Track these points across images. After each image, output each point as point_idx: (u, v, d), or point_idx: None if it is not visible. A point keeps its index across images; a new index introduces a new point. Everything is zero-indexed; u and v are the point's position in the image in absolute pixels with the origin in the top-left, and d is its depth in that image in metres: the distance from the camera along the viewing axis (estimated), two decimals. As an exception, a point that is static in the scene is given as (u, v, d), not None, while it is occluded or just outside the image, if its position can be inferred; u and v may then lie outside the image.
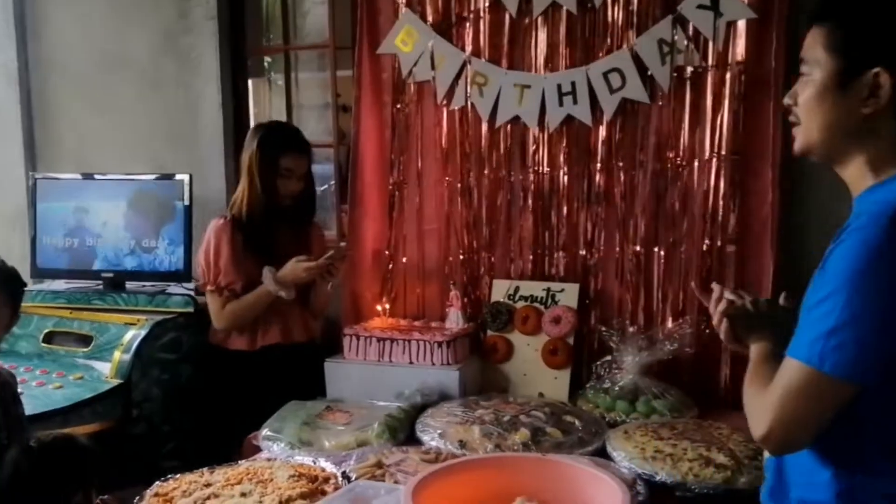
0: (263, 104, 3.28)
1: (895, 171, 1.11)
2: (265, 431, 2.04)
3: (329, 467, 1.76)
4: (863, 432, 1.09)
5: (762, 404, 1.10)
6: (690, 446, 1.76)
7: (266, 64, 3.28)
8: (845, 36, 1.11)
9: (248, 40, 3.01)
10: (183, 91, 2.96)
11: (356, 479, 1.70)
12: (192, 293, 2.63)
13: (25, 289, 2.74)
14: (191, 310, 2.56)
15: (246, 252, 2.37)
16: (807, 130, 1.16)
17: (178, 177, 2.70)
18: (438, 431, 1.94)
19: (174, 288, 2.72)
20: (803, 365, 1.06)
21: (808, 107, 1.15)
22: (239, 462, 1.85)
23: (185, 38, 2.94)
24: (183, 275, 2.70)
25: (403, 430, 2.03)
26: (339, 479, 1.70)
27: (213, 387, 2.52)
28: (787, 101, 1.20)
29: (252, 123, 2.99)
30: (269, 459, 1.85)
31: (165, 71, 2.98)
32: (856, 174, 1.15)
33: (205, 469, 1.78)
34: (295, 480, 1.66)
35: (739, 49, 2.20)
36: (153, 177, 2.79)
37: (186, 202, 2.68)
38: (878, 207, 1.06)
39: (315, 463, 1.80)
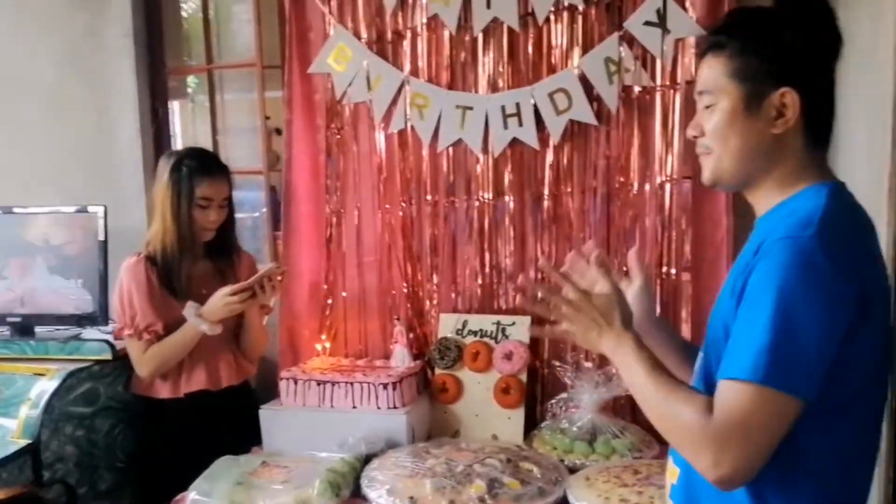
0: (187, 128, 3.06)
1: (801, 186, 1.13)
2: (192, 494, 1.84)
3: (266, 538, 1.58)
4: (796, 455, 1.05)
5: (708, 438, 1.02)
6: (657, 493, 1.65)
7: (190, 85, 3.06)
8: (744, 62, 1.12)
9: (168, 60, 2.79)
10: (96, 116, 2.72)
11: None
12: (109, 338, 2.39)
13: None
14: (108, 356, 2.32)
15: (164, 292, 2.17)
16: (718, 159, 1.16)
17: (91, 209, 2.46)
18: (386, 487, 1.77)
19: (89, 332, 2.47)
20: (750, 385, 1.00)
21: (718, 135, 1.15)
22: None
23: (96, 58, 2.70)
24: (99, 317, 2.45)
25: (347, 486, 1.85)
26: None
27: (135, 441, 2.31)
28: (690, 133, 1.20)
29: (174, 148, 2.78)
30: (196, 531, 1.65)
31: (75, 94, 2.74)
32: (764, 195, 1.16)
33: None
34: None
35: (689, 67, 2.12)
36: (64, 209, 2.53)
37: (101, 237, 2.44)
38: (796, 217, 1.07)
39: (250, 533, 1.61)
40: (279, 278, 2.20)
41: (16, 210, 2.57)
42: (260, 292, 2.14)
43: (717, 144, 1.16)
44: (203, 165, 2.16)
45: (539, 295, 1.25)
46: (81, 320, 2.46)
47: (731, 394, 1.01)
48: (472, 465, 1.83)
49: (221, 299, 2.11)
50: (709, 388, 1.10)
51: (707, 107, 1.17)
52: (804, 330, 0.99)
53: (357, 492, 1.85)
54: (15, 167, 2.83)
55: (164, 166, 2.17)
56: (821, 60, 1.13)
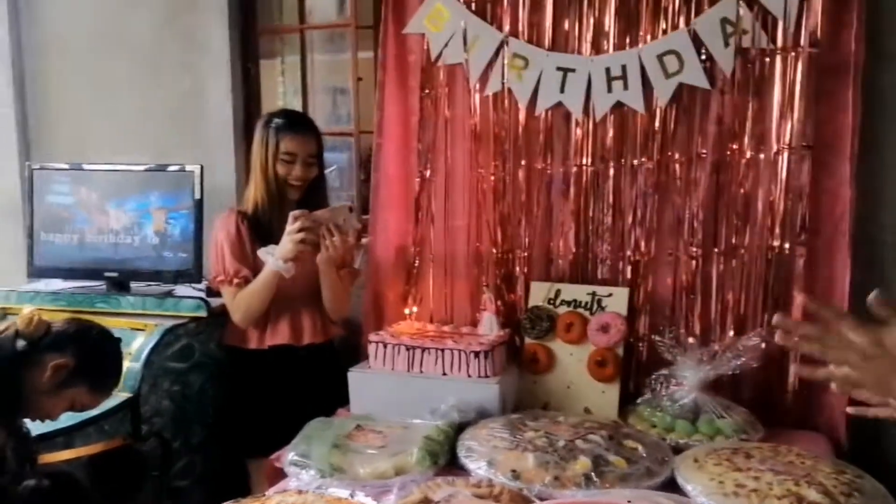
0: (275, 89, 3.04)
1: None
2: (291, 455, 1.82)
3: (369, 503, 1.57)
4: None
5: None
6: (776, 480, 1.56)
7: (278, 45, 3.04)
8: None
9: (259, 19, 2.77)
10: (188, 75, 2.73)
11: (399, 519, 1.50)
12: (203, 295, 2.42)
13: (20, 289, 2.55)
14: (203, 314, 2.35)
15: (253, 246, 2.20)
16: None
17: (188, 168, 2.48)
18: (486, 459, 1.73)
19: (182, 289, 2.51)
20: None
21: None
22: (266, 494, 1.65)
23: (189, 17, 2.70)
24: (193, 275, 2.49)
25: (444, 455, 1.82)
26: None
27: (224, 395, 2.35)
28: None
29: (263, 109, 2.77)
30: (299, 491, 1.64)
31: (168, 53, 2.75)
32: None
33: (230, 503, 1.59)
34: (332, 520, 1.47)
35: (813, 30, 1.98)
36: (161, 168, 2.56)
37: (197, 195, 2.46)
38: None
39: (352, 497, 1.59)
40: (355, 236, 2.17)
41: (116, 167, 2.61)
42: (328, 235, 2.09)
43: None
44: (289, 122, 2.22)
45: (803, 333, 1.06)
46: (176, 277, 2.50)
47: None
48: (574, 441, 1.77)
49: (287, 235, 2.09)
50: None
51: None
52: None
53: (452, 460, 1.83)
54: (107, 123, 2.87)
55: (258, 127, 2.24)
56: None
